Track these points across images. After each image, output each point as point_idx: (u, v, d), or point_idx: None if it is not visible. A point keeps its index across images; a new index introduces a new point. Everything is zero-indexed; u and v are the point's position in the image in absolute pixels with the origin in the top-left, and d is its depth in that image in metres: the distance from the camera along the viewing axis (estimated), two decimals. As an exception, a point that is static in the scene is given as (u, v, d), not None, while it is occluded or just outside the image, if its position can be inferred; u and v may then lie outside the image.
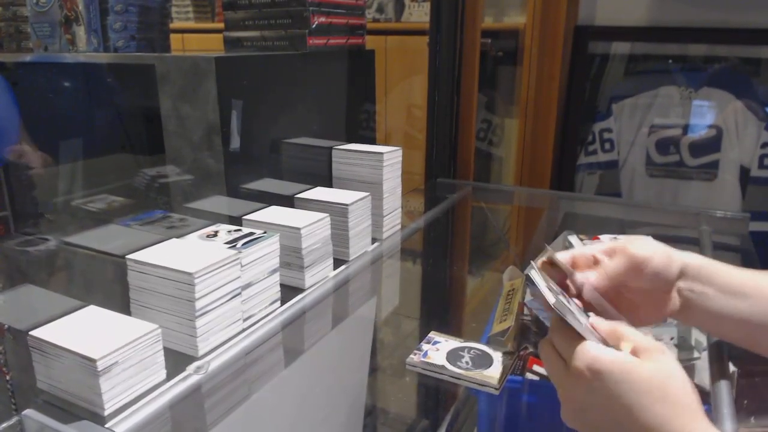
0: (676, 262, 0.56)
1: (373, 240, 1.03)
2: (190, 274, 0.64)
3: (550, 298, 0.50)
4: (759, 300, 0.56)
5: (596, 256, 0.58)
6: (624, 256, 0.56)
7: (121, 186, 1.14)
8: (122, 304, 0.69)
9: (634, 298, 0.58)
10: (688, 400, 0.44)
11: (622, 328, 0.49)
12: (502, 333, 0.79)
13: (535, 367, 0.76)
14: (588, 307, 0.55)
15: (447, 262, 1.31)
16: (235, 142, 0.88)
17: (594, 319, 0.51)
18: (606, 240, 0.95)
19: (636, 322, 0.58)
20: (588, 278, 0.55)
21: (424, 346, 0.76)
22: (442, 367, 0.72)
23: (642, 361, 0.46)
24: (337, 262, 0.93)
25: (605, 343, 0.49)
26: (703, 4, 1.60)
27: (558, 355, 0.51)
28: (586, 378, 0.47)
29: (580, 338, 0.49)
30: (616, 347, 0.48)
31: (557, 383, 0.51)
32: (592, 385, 0.46)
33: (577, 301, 0.54)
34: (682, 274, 0.57)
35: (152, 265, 0.66)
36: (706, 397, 0.65)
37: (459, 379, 0.71)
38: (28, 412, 0.58)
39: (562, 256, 0.58)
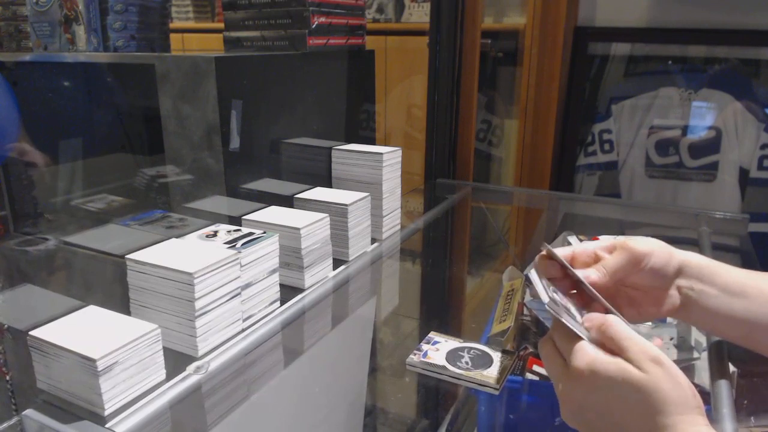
0: (675, 259, 0.57)
1: (373, 240, 1.03)
2: (189, 274, 0.64)
3: (544, 297, 0.51)
4: (759, 300, 0.56)
5: (597, 252, 0.58)
6: (624, 251, 0.56)
7: (121, 186, 1.14)
8: (122, 304, 0.69)
9: (632, 294, 0.58)
10: (686, 399, 0.44)
11: (610, 322, 0.49)
12: (502, 333, 0.79)
13: (535, 367, 0.76)
14: (587, 303, 0.55)
15: (446, 263, 1.31)
16: (235, 142, 0.88)
17: (587, 315, 0.51)
18: (606, 240, 0.95)
19: (634, 318, 0.59)
20: (588, 275, 0.55)
21: (424, 346, 0.76)
22: (442, 367, 0.72)
23: (639, 369, 0.46)
24: (337, 263, 0.93)
25: (598, 342, 0.49)
26: (702, 6, 1.60)
27: (558, 354, 0.51)
28: (585, 377, 0.47)
29: (580, 337, 0.49)
30: (604, 342, 0.48)
31: (556, 382, 0.51)
32: (591, 384, 0.47)
33: (586, 292, 0.54)
34: (681, 272, 0.57)
35: (152, 265, 0.66)
36: (706, 398, 0.65)
37: (459, 379, 0.71)
38: (28, 412, 0.58)
39: (562, 252, 0.58)
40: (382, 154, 1.02)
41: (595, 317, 0.50)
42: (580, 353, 0.48)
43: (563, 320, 0.49)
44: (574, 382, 0.48)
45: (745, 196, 1.60)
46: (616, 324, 0.49)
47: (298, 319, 0.80)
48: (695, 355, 0.79)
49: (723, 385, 0.65)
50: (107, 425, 0.56)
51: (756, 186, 1.58)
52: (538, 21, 1.64)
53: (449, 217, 1.40)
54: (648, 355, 0.46)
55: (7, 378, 0.64)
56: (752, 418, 0.67)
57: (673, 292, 0.57)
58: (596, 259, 0.58)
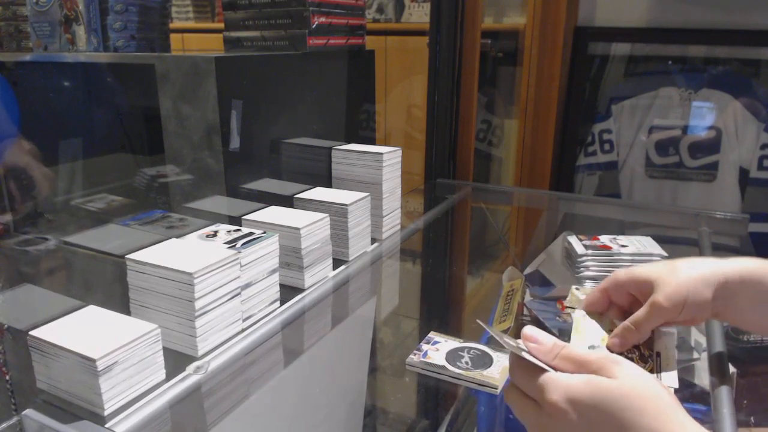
0: (712, 285, 0.56)
1: (373, 240, 1.03)
2: (189, 274, 0.64)
3: (505, 344, 0.50)
4: None
5: (632, 294, 0.59)
6: (655, 310, 0.55)
7: (121, 186, 1.14)
8: (122, 304, 0.69)
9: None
10: (665, 402, 0.43)
11: (561, 344, 0.49)
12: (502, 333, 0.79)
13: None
14: None
15: (446, 263, 1.31)
16: (235, 142, 0.88)
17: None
18: (606, 241, 0.95)
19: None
20: (616, 344, 0.57)
21: (424, 346, 0.76)
22: (442, 367, 0.72)
23: (608, 377, 0.45)
24: (337, 263, 0.93)
25: (559, 368, 0.47)
26: (703, 5, 1.60)
27: (527, 397, 0.48)
28: (564, 411, 0.44)
29: (542, 371, 0.47)
30: (563, 367, 0.47)
31: (534, 426, 0.48)
32: (572, 416, 0.44)
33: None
34: (719, 294, 0.56)
35: (152, 265, 0.66)
36: (706, 398, 0.65)
37: (459, 379, 0.71)
38: (28, 412, 0.58)
39: (594, 301, 0.60)
40: (382, 154, 1.02)
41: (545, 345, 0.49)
42: (550, 387, 0.45)
43: (523, 354, 0.47)
44: (555, 421, 0.45)
45: (745, 196, 1.60)
46: (568, 345, 0.48)
47: (298, 319, 0.80)
48: (695, 355, 0.79)
49: (723, 385, 0.65)
50: (107, 425, 0.56)
51: (756, 186, 1.58)
52: (538, 21, 1.64)
53: (449, 217, 1.40)
54: (609, 359, 0.45)
55: (7, 378, 0.64)
56: (752, 418, 0.67)
57: (707, 312, 0.57)
58: (630, 300, 0.59)
